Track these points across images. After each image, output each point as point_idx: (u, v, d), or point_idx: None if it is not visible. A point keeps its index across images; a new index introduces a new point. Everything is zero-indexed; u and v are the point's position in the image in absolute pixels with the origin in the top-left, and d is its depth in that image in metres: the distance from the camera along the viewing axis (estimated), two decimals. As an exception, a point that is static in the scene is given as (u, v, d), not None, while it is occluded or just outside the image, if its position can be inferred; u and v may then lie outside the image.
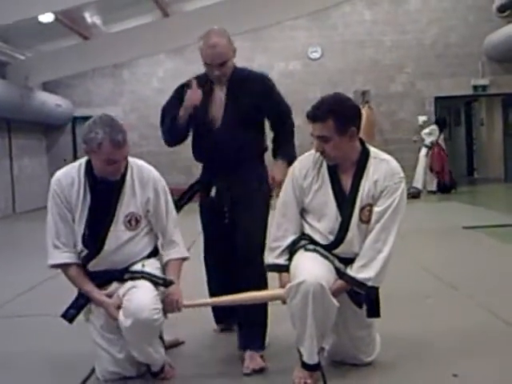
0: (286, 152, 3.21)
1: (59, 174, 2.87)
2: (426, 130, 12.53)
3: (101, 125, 2.69)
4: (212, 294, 3.32)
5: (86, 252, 2.85)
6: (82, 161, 2.87)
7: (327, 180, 2.81)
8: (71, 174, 2.84)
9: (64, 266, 2.86)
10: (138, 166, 2.90)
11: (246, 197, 3.11)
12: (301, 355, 2.73)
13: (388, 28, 13.83)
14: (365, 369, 2.89)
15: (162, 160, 13.04)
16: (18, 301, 4.68)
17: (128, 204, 2.84)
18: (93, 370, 2.95)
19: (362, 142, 2.86)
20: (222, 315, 3.42)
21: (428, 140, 12.41)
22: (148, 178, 2.88)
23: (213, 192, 3.18)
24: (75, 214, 2.83)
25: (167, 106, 3.26)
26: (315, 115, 2.72)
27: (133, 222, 2.85)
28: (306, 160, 2.89)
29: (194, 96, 3.05)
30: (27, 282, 5.17)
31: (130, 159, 2.89)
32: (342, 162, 2.80)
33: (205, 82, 3.12)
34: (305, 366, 2.72)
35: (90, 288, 2.83)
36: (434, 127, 12.55)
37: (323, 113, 2.70)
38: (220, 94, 3.12)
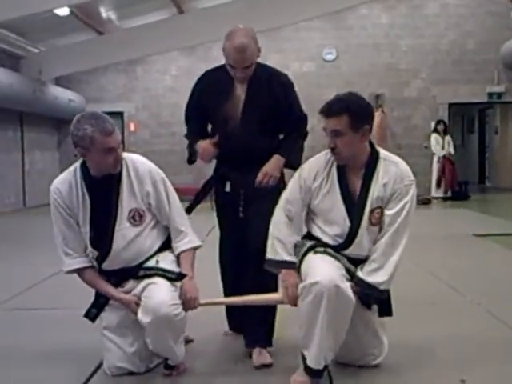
0: (287, 152, 3.15)
1: (56, 181, 2.85)
2: (433, 142, 12.49)
3: (86, 120, 2.68)
4: (227, 293, 3.29)
5: (96, 254, 2.86)
6: (77, 164, 2.86)
7: (336, 183, 2.79)
8: (68, 179, 2.83)
9: (78, 271, 2.89)
10: (132, 161, 2.87)
11: (258, 195, 3.08)
12: (304, 359, 2.68)
13: (404, 32, 13.77)
14: (371, 371, 2.86)
15: (172, 159, 13.05)
16: (27, 294, 4.71)
17: (129, 200, 2.82)
18: (100, 364, 2.95)
19: (372, 145, 2.84)
20: (238, 323, 3.33)
21: (438, 147, 12.42)
22: (144, 171, 2.85)
23: (227, 187, 3.17)
24: (78, 218, 2.82)
25: (189, 111, 3.29)
26: (330, 110, 2.71)
27: (137, 217, 2.83)
28: (316, 162, 2.86)
29: (204, 155, 3.13)
30: (36, 276, 5.21)
31: (125, 155, 2.87)
32: (351, 162, 2.77)
33: (225, 77, 3.09)
34: (308, 370, 2.67)
35: (108, 288, 2.86)
36: (435, 135, 12.53)
37: (339, 108, 2.69)
38: (240, 91, 3.10)
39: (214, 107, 3.12)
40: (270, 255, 2.82)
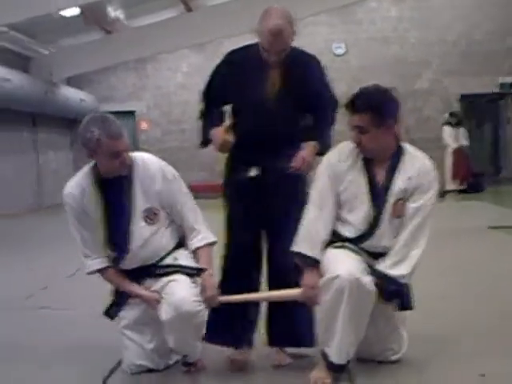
0: (320, 137, 3.01)
1: (69, 186, 2.85)
2: (446, 135, 12.38)
3: (94, 123, 2.69)
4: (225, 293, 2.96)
5: (114, 255, 2.87)
6: (89, 166, 2.86)
7: (362, 171, 2.77)
8: (80, 183, 2.84)
9: (99, 272, 2.91)
10: (143, 160, 2.86)
11: (289, 183, 2.94)
12: (325, 356, 2.68)
13: (413, 24, 13.67)
14: (391, 367, 2.85)
15: (182, 156, 13.08)
16: (44, 293, 4.74)
17: (142, 200, 2.82)
18: (119, 362, 2.97)
19: (397, 138, 2.81)
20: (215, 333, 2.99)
21: (451, 140, 12.33)
22: (155, 169, 2.84)
23: (253, 172, 2.95)
24: (93, 220, 2.83)
25: (211, 88, 3.07)
26: (354, 106, 2.68)
27: (151, 216, 2.83)
28: (343, 149, 2.83)
29: (223, 148, 2.93)
30: (53, 275, 5.27)
31: (135, 154, 2.88)
32: (377, 154, 2.76)
33: (258, 57, 2.91)
34: (331, 366, 2.67)
35: (129, 285, 2.87)
36: (448, 127, 12.41)
37: (362, 105, 2.65)
38: (274, 73, 2.93)
39: (248, 86, 2.94)
40: (297, 248, 2.75)
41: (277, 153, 2.92)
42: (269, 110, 2.92)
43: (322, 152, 2.98)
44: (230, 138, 2.91)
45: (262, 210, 2.96)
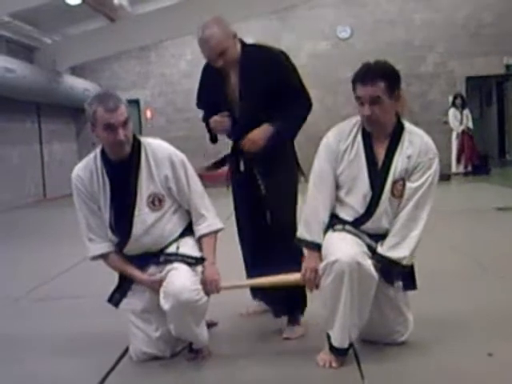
0: (278, 121, 3.04)
1: (78, 168, 2.87)
2: (451, 117, 12.30)
3: (96, 97, 2.75)
4: (249, 273, 3.27)
5: (117, 239, 2.87)
6: (97, 150, 2.87)
7: (361, 151, 2.74)
8: (89, 166, 2.85)
9: (103, 257, 2.91)
10: (150, 145, 2.87)
11: (274, 171, 3.08)
12: (329, 338, 2.68)
13: (420, 6, 13.52)
14: (398, 348, 2.84)
15: (189, 145, 13.03)
16: (51, 284, 4.76)
17: (147, 185, 2.81)
18: (126, 350, 2.97)
19: (398, 115, 2.79)
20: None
21: (456, 122, 12.26)
22: (162, 155, 2.84)
23: (241, 166, 3.16)
24: (100, 203, 2.84)
25: (199, 98, 3.34)
26: (366, 76, 2.66)
27: (156, 202, 2.83)
28: (341, 128, 2.82)
29: (218, 127, 3.14)
30: (59, 266, 5.27)
31: (143, 139, 2.88)
32: (377, 131, 2.73)
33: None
34: (333, 349, 2.67)
35: (133, 271, 2.87)
36: (453, 110, 12.33)
37: (374, 74, 2.65)
38: (233, 77, 3.08)
39: (217, 95, 3.13)
40: (298, 233, 2.80)
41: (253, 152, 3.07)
42: (233, 112, 3.08)
43: (280, 135, 3.04)
44: (227, 119, 3.09)
45: (260, 197, 3.13)
